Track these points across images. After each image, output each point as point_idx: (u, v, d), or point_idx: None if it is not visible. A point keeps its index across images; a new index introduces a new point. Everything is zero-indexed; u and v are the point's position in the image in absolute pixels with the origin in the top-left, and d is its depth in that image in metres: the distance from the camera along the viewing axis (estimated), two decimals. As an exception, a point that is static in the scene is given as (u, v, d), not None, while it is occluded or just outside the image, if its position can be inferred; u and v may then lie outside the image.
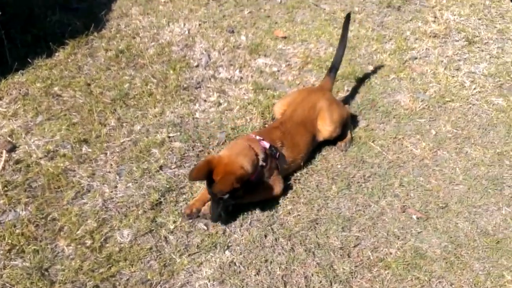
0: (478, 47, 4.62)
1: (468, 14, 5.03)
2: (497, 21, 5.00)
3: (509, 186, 3.33)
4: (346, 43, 3.75)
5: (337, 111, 3.43)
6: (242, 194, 2.86)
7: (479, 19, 5.00)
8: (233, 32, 4.58)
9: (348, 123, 3.58)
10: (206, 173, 2.74)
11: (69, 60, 4.04)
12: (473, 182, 3.34)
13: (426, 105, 3.90)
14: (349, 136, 3.55)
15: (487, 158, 3.52)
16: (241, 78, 4.07)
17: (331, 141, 3.49)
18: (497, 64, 4.42)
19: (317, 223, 3.00)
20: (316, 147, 3.46)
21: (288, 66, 4.25)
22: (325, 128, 3.38)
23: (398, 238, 2.96)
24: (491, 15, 5.06)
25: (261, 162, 2.97)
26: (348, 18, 3.71)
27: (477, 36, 4.73)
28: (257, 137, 3.08)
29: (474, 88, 4.12)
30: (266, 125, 3.57)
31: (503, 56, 4.52)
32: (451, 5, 5.15)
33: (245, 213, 2.99)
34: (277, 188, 3.08)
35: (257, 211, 3.02)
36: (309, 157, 3.37)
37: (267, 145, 3.05)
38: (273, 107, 3.61)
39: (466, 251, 2.92)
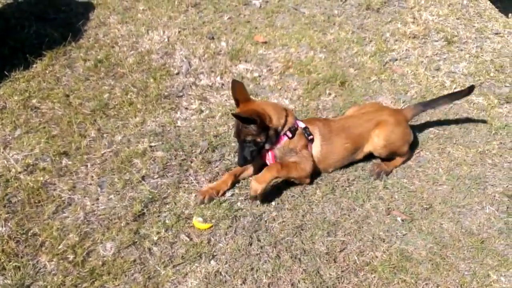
0: (457, 46, 4.66)
1: (446, 14, 5.08)
2: (475, 20, 5.05)
3: (492, 185, 3.35)
4: (453, 100, 3.75)
5: (399, 135, 3.32)
6: (264, 143, 3.06)
7: (458, 19, 5.04)
8: (213, 38, 4.56)
9: (401, 156, 3.44)
10: (239, 96, 3.08)
11: (47, 72, 3.98)
12: (456, 182, 3.36)
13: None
14: (389, 169, 3.41)
15: (469, 157, 3.54)
16: (223, 84, 4.04)
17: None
18: (477, 63, 4.46)
19: (302, 229, 2.99)
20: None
21: (269, 71, 4.24)
22: (377, 140, 3.30)
23: (384, 241, 2.96)
24: (469, 15, 5.12)
25: (287, 132, 3.10)
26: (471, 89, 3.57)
27: (456, 36, 4.78)
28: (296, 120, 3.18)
29: (455, 88, 4.15)
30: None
31: (482, 55, 4.56)
32: (430, 6, 5.19)
33: (230, 222, 2.97)
34: (305, 167, 3.13)
35: (242, 219, 3.00)
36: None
37: (302, 124, 3.16)
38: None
39: (452, 251, 2.92)
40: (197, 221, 2.93)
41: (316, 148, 3.21)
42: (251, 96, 3.26)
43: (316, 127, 3.22)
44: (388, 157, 3.40)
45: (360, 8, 5.13)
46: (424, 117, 3.83)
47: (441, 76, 4.28)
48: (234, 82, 3.11)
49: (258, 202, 3.10)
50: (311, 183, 3.24)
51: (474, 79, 4.27)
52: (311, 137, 3.17)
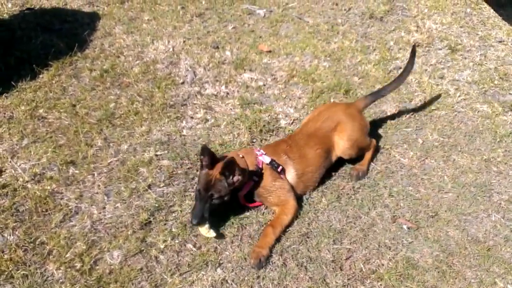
0: (461, 54, 4.68)
1: (450, 22, 5.10)
2: (479, 28, 5.07)
3: (497, 193, 3.36)
4: (404, 79, 3.73)
5: (359, 130, 3.36)
6: (229, 198, 2.92)
7: (461, 27, 5.07)
8: (217, 47, 4.59)
9: (368, 149, 3.49)
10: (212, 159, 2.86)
11: (54, 82, 4.01)
12: (461, 189, 3.36)
13: (412, 114, 3.93)
14: (364, 167, 3.45)
15: (475, 165, 3.55)
16: (227, 93, 4.07)
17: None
18: (481, 71, 4.48)
19: (308, 237, 2.99)
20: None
21: (273, 80, 4.26)
22: (341, 143, 3.31)
23: (390, 249, 2.96)
24: (472, 23, 5.14)
25: (253, 177, 3.00)
26: (413, 51, 3.64)
27: (459, 44, 4.80)
28: (259, 151, 3.10)
29: (459, 96, 4.16)
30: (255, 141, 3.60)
31: (486, 63, 4.58)
32: (433, 14, 5.22)
33: (236, 230, 2.97)
34: (288, 201, 3.05)
35: (248, 227, 3.01)
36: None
37: (267, 160, 3.06)
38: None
39: (458, 259, 2.92)
40: (204, 229, 2.92)
41: (290, 173, 3.13)
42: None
43: (282, 153, 3.14)
44: (358, 155, 3.42)
45: (363, 17, 5.16)
46: (429, 125, 3.85)
47: (445, 84, 4.30)
48: (203, 149, 2.86)
49: (263, 265, 2.83)
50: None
51: (478, 87, 4.28)
52: (280, 168, 3.07)
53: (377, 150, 3.58)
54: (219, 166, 2.84)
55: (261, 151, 3.12)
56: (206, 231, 2.89)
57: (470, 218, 3.19)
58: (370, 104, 3.70)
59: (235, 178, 2.87)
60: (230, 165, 2.80)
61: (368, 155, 3.49)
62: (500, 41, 4.88)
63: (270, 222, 2.99)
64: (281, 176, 3.09)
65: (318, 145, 3.24)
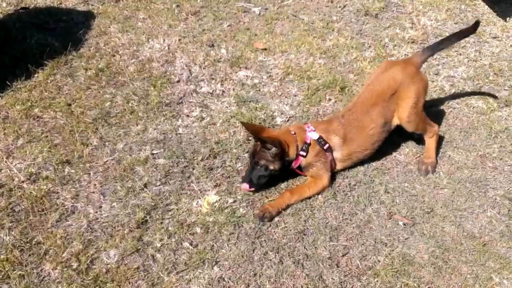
0: (456, 51, 4.68)
1: (444, 19, 5.11)
2: (473, 24, 5.07)
3: (492, 188, 3.37)
4: (464, 36, 3.67)
5: (421, 91, 3.27)
6: (277, 170, 3.13)
7: (456, 23, 5.07)
8: (213, 46, 4.59)
9: (429, 130, 3.45)
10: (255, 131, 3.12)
11: (49, 81, 4.00)
12: (457, 185, 3.37)
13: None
14: (433, 159, 3.46)
15: (470, 161, 3.56)
16: (223, 91, 4.07)
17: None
18: (475, 67, 4.49)
19: (304, 234, 3.00)
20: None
21: (269, 78, 4.26)
22: (404, 112, 3.27)
23: (386, 245, 2.97)
24: (467, 19, 5.14)
25: (300, 152, 3.15)
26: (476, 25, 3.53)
27: (454, 40, 4.80)
28: (309, 127, 3.19)
29: (454, 92, 4.17)
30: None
31: (480, 59, 4.59)
32: (428, 11, 5.22)
33: (233, 228, 2.98)
34: (322, 181, 3.21)
35: (244, 225, 3.01)
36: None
37: (315, 136, 3.16)
38: None
39: (454, 255, 2.94)
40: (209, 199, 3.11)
41: (337, 153, 3.25)
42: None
43: (332, 132, 3.22)
44: (420, 127, 3.38)
45: (358, 14, 5.16)
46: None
47: (440, 80, 4.31)
48: (244, 125, 3.20)
49: (264, 222, 3.07)
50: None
51: (473, 83, 4.29)
52: (326, 146, 3.18)
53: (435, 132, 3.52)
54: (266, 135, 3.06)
55: (311, 127, 3.20)
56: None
57: (466, 213, 3.20)
58: (428, 58, 3.64)
59: (273, 151, 3.04)
60: (267, 141, 3.00)
61: (432, 142, 3.46)
62: (494, 37, 4.88)
63: (292, 189, 3.20)
64: (326, 154, 3.20)
65: (373, 123, 3.24)
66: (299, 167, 3.25)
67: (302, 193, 3.17)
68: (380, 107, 3.24)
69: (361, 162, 3.46)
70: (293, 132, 3.19)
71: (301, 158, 3.18)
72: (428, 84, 3.42)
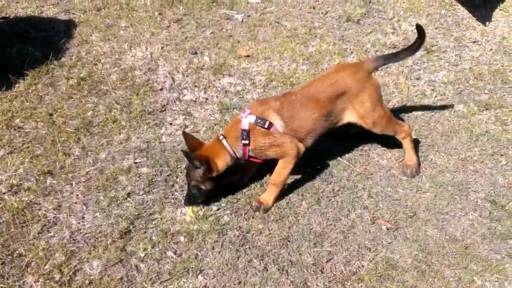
0: (436, 55, 4.74)
1: (425, 24, 5.16)
2: (454, 29, 5.15)
3: (474, 191, 3.41)
4: (419, 47, 3.49)
5: (369, 96, 3.23)
6: (211, 189, 3.09)
7: (436, 28, 5.14)
8: (196, 53, 4.59)
9: (398, 129, 3.44)
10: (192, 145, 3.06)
11: (30, 91, 3.96)
12: (439, 189, 3.41)
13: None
14: (414, 161, 3.50)
15: (451, 164, 3.60)
16: (206, 99, 4.07)
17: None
18: (456, 71, 4.55)
19: (289, 241, 3.01)
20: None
21: (252, 85, 4.27)
22: (357, 114, 3.25)
23: (370, 250, 2.99)
24: (447, 24, 5.21)
25: (242, 142, 3.04)
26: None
27: (435, 45, 4.86)
28: (245, 113, 3.07)
29: (435, 96, 4.22)
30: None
31: (461, 63, 4.65)
32: (409, 16, 5.28)
33: (217, 236, 2.98)
34: (287, 150, 3.10)
35: (229, 233, 3.01)
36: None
37: (252, 119, 3.03)
38: None
39: (437, 258, 2.96)
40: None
41: (279, 126, 3.09)
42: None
43: (269, 108, 3.09)
44: (384, 128, 3.36)
45: (340, 20, 5.20)
46: (406, 126, 3.89)
47: (421, 85, 4.35)
48: (184, 134, 3.11)
49: (260, 212, 3.14)
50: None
51: (454, 87, 4.34)
52: (267, 124, 3.04)
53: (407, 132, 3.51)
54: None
55: (247, 111, 3.08)
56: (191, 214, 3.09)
57: (448, 217, 3.23)
58: (381, 66, 3.65)
59: (200, 170, 2.98)
60: (193, 158, 2.95)
61: (407, 143, 3.49)
62: (474, 42, 4.95)
63: (271, 180, 3.18)
64: (271, 130, 3.06)
65: (316, 109, 3.14)
66: (252, 157, 3.15)
67: (281, 172, 3.14)
68: (325, 98, 3.15)
69: (344, 169, 3.48)
70: (221, 137, 3.06)
71: (247, 148, 3.07)
72: (380, 87, 3.38)
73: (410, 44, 3.57)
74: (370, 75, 3.33)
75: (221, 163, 3.04)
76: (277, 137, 3.06)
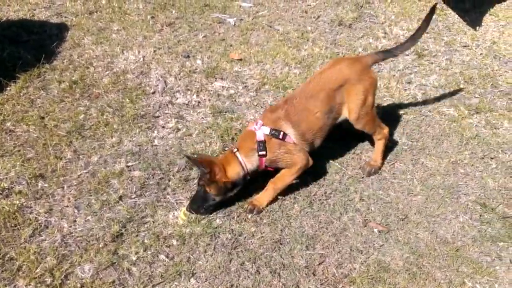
0: (427, 60, 4.78)
1: (416, 28, 5.19)
2: (444, 33, 5.19)
3: (464, 194, 3.43)
4: (418, 38, 3.65)
5: (366, 88, 3.27)
6: (217, 195, 3.08)
7: (427, 33, 5.15)
8: (188, 57, 4.59)
9: (379, 131, 3.49)
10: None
11: (21, 94, 3.95)
12: (430, 192, 3.43)
13: (381, 119, 3.98)
14: (378, 163, 3.55)
15: (442, 167, 3.62)
16: (199, 102, 4.07)
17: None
18: (447, 75, 4.58)
19: (281, 244, 3.01)
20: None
21: (245, 88, 4.28)
22: (351, 106, 3.28)
23: (362, 253, 3.00)
24: (438, 28, 5.25)
25: (259, 153, 3.09)
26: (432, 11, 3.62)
27: (426, 49, 4.90)
28: (257, 124, 3.12)
29: (426, 100, 4.24)
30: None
31: (451, 67, 4.69)
32: (400, 21, 5.32)
33: (209, 239, 2.98)
34: (297, 162, 3.18)
35: (221, 236, 3.01)
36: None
37: (266, 131, 3.09)
38: None
39: (428, 261, 2.98)
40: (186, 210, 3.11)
41: (291, 135, 3.16)
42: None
43: (279, 118, 3.14)
44: (369, 126, 3.42)
45: (332, 24, 5.23)
46: (398, 129, 3.91)
47: (413, 89, 4.38)
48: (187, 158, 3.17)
49: (253, 214, 3.17)
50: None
51: (444, 91, 4.37)
52: (281, 134, 3.11)
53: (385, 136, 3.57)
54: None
55: (259, 122, 3.13)
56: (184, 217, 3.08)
57: (439, 219, 3.25)
58: (380, 61, 3.70)
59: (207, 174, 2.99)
60: (198, 164, 3.00)
61: (380, 145, 3.53)
62: (464, 46, 5.00)
63: (274, 179, 3.21)
64: (285, 141, 3.13)
65: (318, 107, 3.19)
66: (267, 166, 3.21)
67: (284, 180, 3.21)
68: (325, 94, 3.19)
69: (336, 172, 3.50)
70: (235, 150, 3.12)
71: (264, 158, 3.12)
72: (377, 83, 3.42)
73: (410, 35, 3.65)
74: (369, 68, 3.37)
75: (232, 172, 3.08)
76: (291, 148, 3.15)
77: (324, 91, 3.20)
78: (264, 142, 3.09)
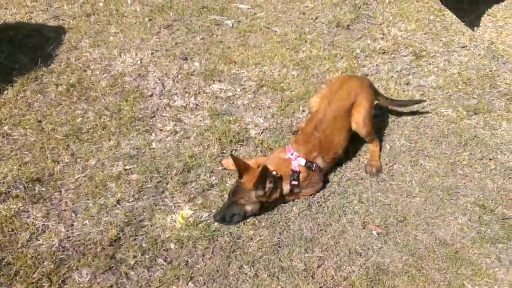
0: (425, 60, 4.77)
1: (414, 29, 5.20)
2: (442, 34, 5.18)
3: (463, 195, 3.42)
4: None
5: (370, 100, 3.58)
6: (254, 213, 3.12)
7: (425, 34, 5.17)
8: (186, 59, 4.58)
9: (373, 138, 3.66)
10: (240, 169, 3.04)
11: (18, 98, 3.94)
12: (429, 193, 3.42)
13: (379, 121, 3.98)
14: (378, 162, 3.61)
15: (441, 169, 3.61)
16: (197, 105, 4.06)
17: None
18: (445, 76, 4.57)
19: (279, 247, 3.00)
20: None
21: (243, 90, 4.27)
22: (359, 117, 3.47)
23: (360, 255, 2.99)
24: (436, 29, 5.25)
25: (292, 182, 3.16)
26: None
27: (424, 50, 4.89)
28: (292, 155, 3.20)
29: (425, 101, 4.23)
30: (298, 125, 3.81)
31: (450, 68, 4.68)
32: (398, 22, 5.32)
33: (207, 242, 2.96)
34: (315, 189, 3.35)
35: (219, 239, 3.00)
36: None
37: (302, 162, 3.19)
38: (308, 101, 3.77)
39: (427, 263, 2.97)
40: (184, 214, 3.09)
41: (319, 163, 3.30)
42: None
43: (314, 150, 3.26)
44: (369, 132, 3.56)
45: (330, 25, 5.22)
46: (396, 131, 3.91)
47: (411, 90, 4.37)
48: (232, 158, 3.07)
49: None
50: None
51: (443, 91, 4.37)
52: (314, 166, 3.23)
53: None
54: (250, 177, 3.01)
55: (294, 153, 3.21)
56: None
57: (438, 221, 3.24)
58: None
59: (267, 188, 3.01)
60: (262, 178, 2.97)
61: (375, 148, 3.66)
62: (463, 47, 4.99)
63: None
64: (316, 171, 3.26)
65: (343, 128, 3.43)
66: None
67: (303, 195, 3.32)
68: (345, 113, 3.43)
69: (334, 174, 3.50)
70: (273, 170, 3.10)
71: (294, 186, 3.20)
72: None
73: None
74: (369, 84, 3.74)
75: (275, 194, 3.12)
76: (317, 178, 3.30)
77: (344, 111, 3.42)
78: (298, 173, 3.17)
